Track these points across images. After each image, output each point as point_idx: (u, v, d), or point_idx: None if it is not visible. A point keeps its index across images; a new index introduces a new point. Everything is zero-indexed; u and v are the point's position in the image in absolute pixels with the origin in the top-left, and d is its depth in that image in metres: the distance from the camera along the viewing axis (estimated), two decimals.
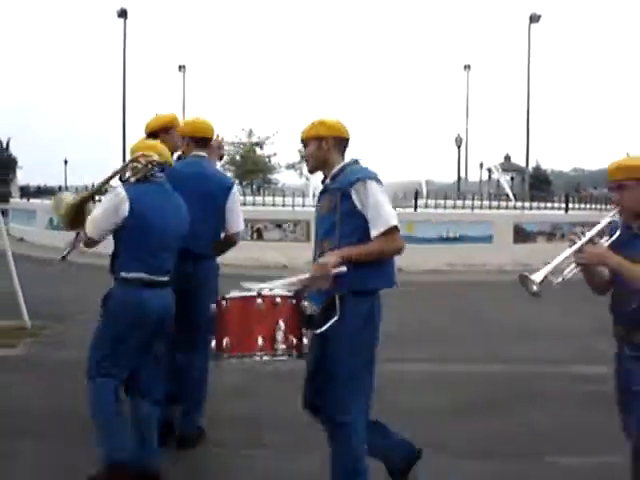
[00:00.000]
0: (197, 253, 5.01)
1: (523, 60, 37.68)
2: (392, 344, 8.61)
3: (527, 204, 20.51)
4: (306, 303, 3.99)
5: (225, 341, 3.96)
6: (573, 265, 3.54)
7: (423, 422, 5.82)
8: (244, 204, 15.50)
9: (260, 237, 17.08)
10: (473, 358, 8.07)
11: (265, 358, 4.00)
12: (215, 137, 5.51)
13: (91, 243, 4.46)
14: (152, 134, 5.30)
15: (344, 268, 3.86)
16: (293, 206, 17.32)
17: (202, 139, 5.23)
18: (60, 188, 24.52)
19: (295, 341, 3.99)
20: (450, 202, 19.34)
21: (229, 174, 34.80)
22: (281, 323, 3.95)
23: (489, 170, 47.01)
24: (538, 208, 20.85)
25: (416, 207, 17.98)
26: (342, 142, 4.16)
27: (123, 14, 36.92)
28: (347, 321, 3.90)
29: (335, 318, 3.89)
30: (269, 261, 15.58)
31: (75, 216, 4.61)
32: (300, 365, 6.82)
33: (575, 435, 5.44)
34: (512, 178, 43.58)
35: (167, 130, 5.34)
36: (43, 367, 7.09)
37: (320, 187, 4.33)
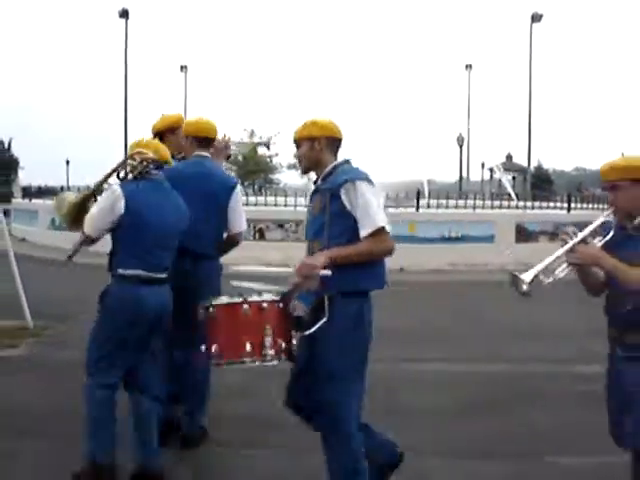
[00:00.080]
0: (199, 253, 5.02)
1: (525, 59, 37.77)
2: (394, 344, 8.65)
3: (529, 204, 20.50)
4: (296, 302, 3.99)
5: (214, 348, 3.99)
6: (565, 265, 3.52)
7: (424, 422, 5.85)
8: (246, 204, 15.52)
9: (262, 237, 17.11)
10: (474, 358, 8.07)
11: (255, 364, 4.01)
12: (222, 137, 5.53)
13: (89, 241, 4.50)
14: (158, 134, 5.38)
15: (329, 272, 3.84)
16: (295, 206, 17.33)
17: (205, 139, 5.23)
18: (62, 188, 24.51)
19: (284, 345, 3.99)
20: (452, 202, 19.35)
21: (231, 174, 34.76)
22: (269, 328, 3.96)
23: (491, 170, 46.99)
24: (540, 208, 20.85)
25: (418, 207, 17.99)
26: (334, 142, 4.15)
27: (125, 14, 36.96)
28: (336, 322, 3.88)
29: (324, 319, 3.88)
30: (271, 261, 15.60)
31: (77, 215, 4.65)
32: None
33: (575, 435, 5.45)
34: (514, 178, 43.59)
35: (173, 130, 5.39)
36: (45, 367, 7.11)
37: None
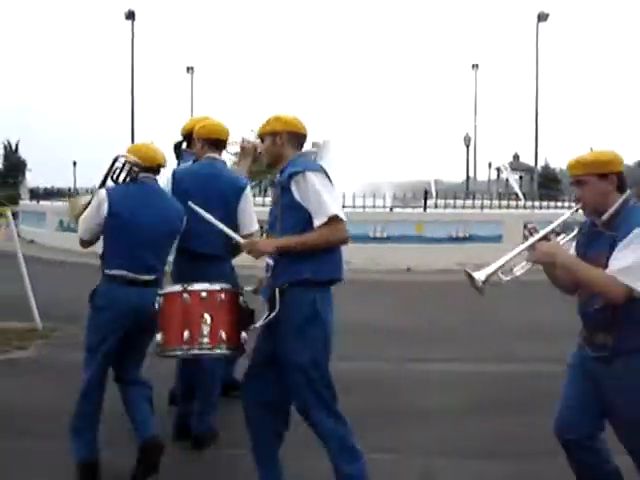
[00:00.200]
0: (210, 254, 5.05)
1: (531, 59, 37.74)
2: (401, 344, 8.65)
3: (537, 203, 20.46)
4: (262, 293, 4.04)
5: (159, 336, 4.10)
6: (524, 262, 3.48)
7: (430, 421, 5.85)
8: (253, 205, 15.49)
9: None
10: (481, 358, 8.05)
11: (194, 352, 4.11)
12: (249, 142, 5.66)
13: (83, 243, 4.71)
14: (187, 136, 5.62)
15: (270, 261, 3.94)
16: None
17: (216, 141, 5.26)
18: (70, 190, 24.61)
19: (225, 335, 4.04)
20: (459, 202, 19.33)
21: None
22: (207, 317, 4.03)
23: (498, 169, 46.90)
24: (547, 207, 20.80)
25: (426, 207, 17.98)
26: (297, 137, 4.15)
27: (131, 16, 37.10)
28: (288, 314, 3.88)
29: (274, 312, 3.88)
30: None
31: None
32: None
33: None
34: (521, 177, 43.47)
35: None
36: (54, 369, 7.12)
37: None
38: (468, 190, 35.68)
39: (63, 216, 20.99)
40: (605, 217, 3.47)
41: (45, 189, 26.42)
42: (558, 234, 3.67)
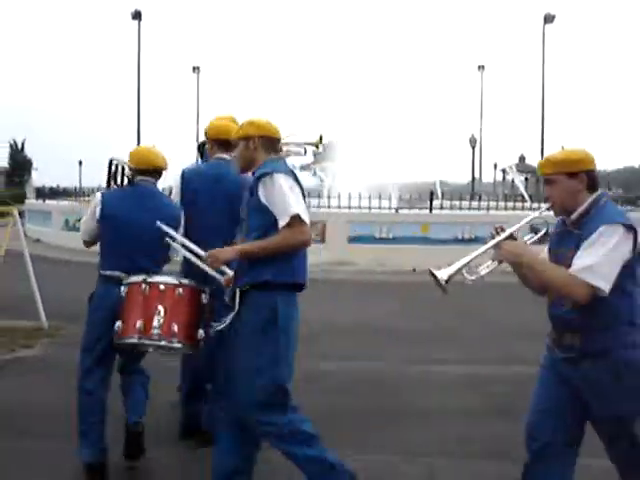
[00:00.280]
0: None
1: (537, 60, 37.63)
2: (404, 344, 8.65)
3: (542, 205, 20.37)
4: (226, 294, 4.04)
5: (117, 325, 4.23)
6: (490, 262, 3.44)
7: (431, 422, 5.85)
8: None
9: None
10: (484, 359, 8.06)
11: (145, 342, 4.21)
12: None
13: (85, 243, 4.93)
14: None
15: (230, 272, 3.95)
16: (309, 207, 17.30)
17: (225, 141, 5.27)
18: (75, 189, 24.66)
19: (177, 328, 4.11)
20: (465, 203, 19.32)
21: None
22: (160, 308, 4.13)
23: (503, 171, 46.82)
24: None
25: (431, 208, 17.97)
26: (270, 141, 4.16)
27: (137, 16, 37.12)
28: (246, 316, 3.87)
29: (232, 313, 3.89)
30: None
31: None
32: (326, 367, 6.86)
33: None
34: (527, 179, 43.32)
35: None
36: (60, 368, 7.12)
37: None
38: (474, 191, 35.62)
39: (69, 215, 21.04)
40: (574, 216, 3.44)
41: (51, 188, 26.44)
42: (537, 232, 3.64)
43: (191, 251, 4.36)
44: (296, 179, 4.02)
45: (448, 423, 5.85)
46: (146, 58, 57.57)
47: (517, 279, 3.63)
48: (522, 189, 32.90)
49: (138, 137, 36.70)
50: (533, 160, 47.09)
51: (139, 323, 4.16)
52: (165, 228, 4.47)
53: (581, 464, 3.65)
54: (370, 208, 17.48)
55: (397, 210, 18.07)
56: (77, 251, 16.96)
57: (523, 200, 22.69)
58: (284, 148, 5.89)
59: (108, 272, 4.64)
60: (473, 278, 3.42)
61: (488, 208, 18.61)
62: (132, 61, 37.92)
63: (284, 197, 3.85)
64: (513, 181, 39.63)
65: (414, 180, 25.83)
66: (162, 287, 4.26)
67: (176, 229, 4.71)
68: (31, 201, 26.69)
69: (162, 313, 4.15)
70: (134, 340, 4.24)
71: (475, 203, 19.96)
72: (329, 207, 17.83)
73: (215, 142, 5.29)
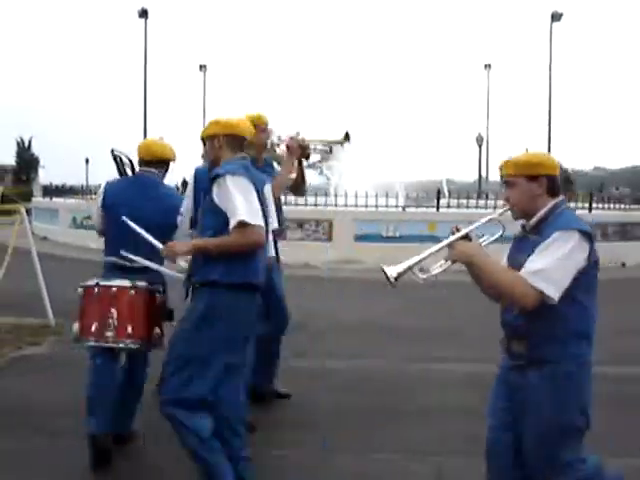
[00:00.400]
0: None
1: (544, 59, 37.56)
2: (407, 343, 8.63)
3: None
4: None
5: (74, 327, 4.39)
6: (442, 261, 3.37)
7: (433, 420, 5.85)
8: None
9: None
10: (486, 357, 7.88)
11: (102, 345, 4.34)
12: (297, 137, 5.64)
13: (99, 232, 5.06)
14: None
15: (184, 263, 4.11)
16: (315, 205, 17.34)
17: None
18: (82, 187, 24.71)
19: (131, 330, 4.24)
20: (472, 201, 19.28)
21: None
22: (113, 311, 4.26)
23: None
24: None
25: (438, 207, 17.94)
26: (235, 140, 4.20)
27: (144, 14, 37.13)
28: (194, 310, 3.98)
29: (186, 308, 4.03)
30: (290, 261, 15.58)
31: None
32: (332, 365, 6.86)
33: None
34: None
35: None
36: (67, 365, 7.14)
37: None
38: (480, 190, 35.56)
39: (76, 213, 21.08)
40: (533, 221, 3.39)
41: (58, 186, 26.47)
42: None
43: (150, 244, 4.42)
44: (252, 180, 4.04)
45: (450, 421, 5.86)
46: (153, 56, 57.82)
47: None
48: None
49: (144, 135, 36.71)
50: None
51: (94, 326, 4.31)
52: (131, 223, 4.48)
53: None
54: (377, 206, 17.45)
55: (404, 208, 18.03)
56: (84, 248, 17.04)
57: None
58: (310, 146, 5.91)
59: (107, 258, 4.81)
60: (425, 277, 3.36)
61: (495, 207, 18.54)
62: (139, 59, 37.89)
63: (234, 200, 3.90)
64: None
65: (421, 178, 25.82)
66: (114, 290, 4.39)
67: (177, 221, 4.80)
68: (38, 199, 26.75)
69: (115, 316, 4.28)
70: (91, 343, 4.40)
71: (482, 202, 19.91)
72: (336, 205, 17.82)
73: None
